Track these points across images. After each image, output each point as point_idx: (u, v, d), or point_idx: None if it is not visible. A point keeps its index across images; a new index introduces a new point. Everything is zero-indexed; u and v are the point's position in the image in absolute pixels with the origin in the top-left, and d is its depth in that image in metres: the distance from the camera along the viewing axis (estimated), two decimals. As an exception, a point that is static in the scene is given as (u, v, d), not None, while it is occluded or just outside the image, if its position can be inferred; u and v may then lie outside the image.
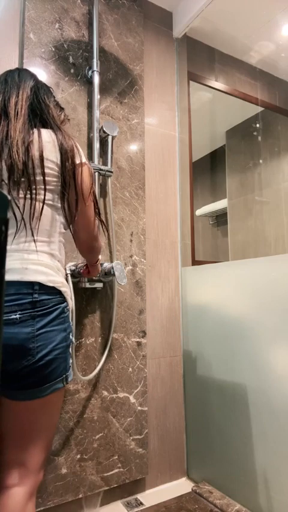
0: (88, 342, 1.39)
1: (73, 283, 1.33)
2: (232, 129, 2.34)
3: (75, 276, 1.34)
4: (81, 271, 1.26)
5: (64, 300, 0.88)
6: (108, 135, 1.48)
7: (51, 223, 0.89)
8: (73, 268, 1.32)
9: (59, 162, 0.88)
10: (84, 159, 0.94)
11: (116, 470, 1.41)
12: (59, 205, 0.91)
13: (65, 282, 0.90)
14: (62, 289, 0.87)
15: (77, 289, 1.36)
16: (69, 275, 1.31)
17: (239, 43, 2.03)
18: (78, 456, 1.32)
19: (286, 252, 2.17)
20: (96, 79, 1.47)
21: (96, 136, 1.45)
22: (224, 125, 2.34)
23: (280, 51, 2.11)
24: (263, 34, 1.97)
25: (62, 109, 1.05)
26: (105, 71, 1.56)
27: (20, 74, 0.94)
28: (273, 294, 1.26)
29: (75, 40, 1.48)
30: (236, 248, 2.23)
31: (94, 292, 1.43)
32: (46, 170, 0.87)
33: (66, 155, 0.89)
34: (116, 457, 1.41)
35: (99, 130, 1.47)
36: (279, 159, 2.33)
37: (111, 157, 1.52)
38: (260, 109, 2.23)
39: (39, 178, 0.86)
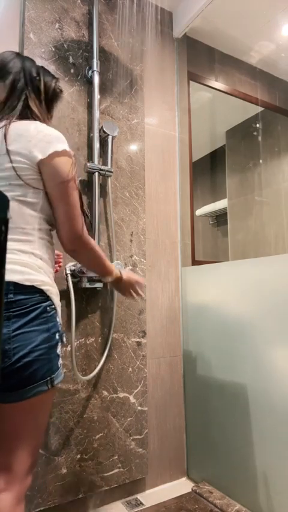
0: (88, 342, 1.39)
1: (73, 283, 1.33)
2: (232, 129, 2.34)
3: (75, 276, 1.34)
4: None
5: (47, 298, 0.83)
6: (108, 135, 1.48)
7: (26, 221, 0.84)
8: (73, 268, 1.32)
9: (26, 153, 0.83)
10: (60, 147, 0.86)
11: (116, 470, 1.41)
12: (35, 200, 0.86)
13: (47, 280, 0.85)
14: (44, 287, 0.83)
15: (77, 289, 1.36)
16: (69, 275, 1.31)
17: (239, 43, 2.03)
18: (78, 456, 1.32)
19: (286, 252, 2.17)
20: (96, 79, 1.47)
21: (96, 136, 1.45)
22: (224, 125, 2.34)
23: (280, 51, 2.10)
24: (263, 34, 1.97)
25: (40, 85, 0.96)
26: (105, 71, 1.56)
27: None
28: (273, 294, 1.26)
29: (75, 40, 1.48)
30: (236, 248, 2.23)
31: (94, 292, 1.43)
32: (7, 165, 0.83)
33: (23, 146, 0.83)
34: (116, 457, 1.41)
35: (99, 130, 1.47)
36: (279, 159, 2.33)
37: (111, 157, 1.52)
38: (260, 109, 2.23)
39: (2, 174, 0.83)
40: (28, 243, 0.84)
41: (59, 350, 0.85)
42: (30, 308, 0.80)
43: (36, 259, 0.85)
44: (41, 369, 0.79)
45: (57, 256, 1.22)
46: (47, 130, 0.87)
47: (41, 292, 0.83)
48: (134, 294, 1.10)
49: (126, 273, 1.08)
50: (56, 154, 0.85)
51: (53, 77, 1.00)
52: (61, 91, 1.02)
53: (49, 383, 0.81)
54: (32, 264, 0.83)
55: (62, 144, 0.87)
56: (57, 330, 0.85)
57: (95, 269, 1.01)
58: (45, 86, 0.96)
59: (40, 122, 0.91)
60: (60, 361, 0.86)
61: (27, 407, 0.80)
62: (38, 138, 0.84)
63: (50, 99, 0.98)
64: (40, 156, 0.84)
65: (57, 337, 0.84)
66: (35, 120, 0.90)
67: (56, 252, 1.26)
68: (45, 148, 0.84)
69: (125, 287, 1.08)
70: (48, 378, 0.81)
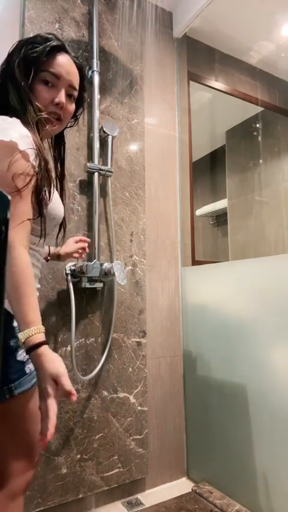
0: (88, 342, 1.39)
1: (73, 283, 1.33)
2: (232, 129, 2.34)
3: (75, 276, 1.34)
4: None
5: None
6: (108, 135, 1.48)
7: None
8: (73, 268, 1.32)
9: None
10: None
11: (116, 470, 1.41)
12: None
13: None
14: None
15: (77, 289, 1.36)
16: (69, 275, 1.31)
17: (239, 43, 2.02)
18: (78, 456, 1.32)
19: (286, 252, 2.17)
20: (96, 79, 1.47)
21: (96, 136, 1.45)
22: (224, 124, 2.34)
23: (280, 51, 2.10)
24: (263, 34, 1.97)
25: None
26: (105, 71, 1.56)
27: None
28: (273, 294, 1.26)
29: (75, 40, 1.48)
30: (236, 248, 2.23)
31: (94, 292, 1.43)
32: None
33: None
34: (116, 457, 1.41)
35: (99, 130, 1.47)
36: (279, 159, 2.33)
37: (111, 157, 1.52)
38: (260, 109, 2.23)
39: None
40: None
41: (21, 356, 0.77)
42: None
43: None
44: None
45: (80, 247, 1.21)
46: None
47: None
48: (47, 407, 0.69)
49: (54, 360, 0.69)
50: None
51: None
52: None
53: (7, 392, 0.74)
54: None
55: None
56: (11, 337, 0.76)
57: (12, 297, 0.68)
58: None
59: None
60: (29, 367, 0.77)
61: None
62: None
63: None
64: None
65: (11, 344, 0.76)
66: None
67: (80, 237, 1.22)
68: None
69: (44, 379, 0.69)
70: (6, 388, 0.74)
